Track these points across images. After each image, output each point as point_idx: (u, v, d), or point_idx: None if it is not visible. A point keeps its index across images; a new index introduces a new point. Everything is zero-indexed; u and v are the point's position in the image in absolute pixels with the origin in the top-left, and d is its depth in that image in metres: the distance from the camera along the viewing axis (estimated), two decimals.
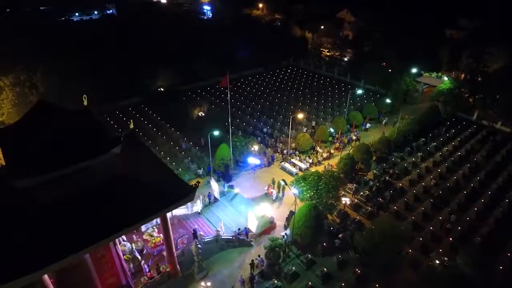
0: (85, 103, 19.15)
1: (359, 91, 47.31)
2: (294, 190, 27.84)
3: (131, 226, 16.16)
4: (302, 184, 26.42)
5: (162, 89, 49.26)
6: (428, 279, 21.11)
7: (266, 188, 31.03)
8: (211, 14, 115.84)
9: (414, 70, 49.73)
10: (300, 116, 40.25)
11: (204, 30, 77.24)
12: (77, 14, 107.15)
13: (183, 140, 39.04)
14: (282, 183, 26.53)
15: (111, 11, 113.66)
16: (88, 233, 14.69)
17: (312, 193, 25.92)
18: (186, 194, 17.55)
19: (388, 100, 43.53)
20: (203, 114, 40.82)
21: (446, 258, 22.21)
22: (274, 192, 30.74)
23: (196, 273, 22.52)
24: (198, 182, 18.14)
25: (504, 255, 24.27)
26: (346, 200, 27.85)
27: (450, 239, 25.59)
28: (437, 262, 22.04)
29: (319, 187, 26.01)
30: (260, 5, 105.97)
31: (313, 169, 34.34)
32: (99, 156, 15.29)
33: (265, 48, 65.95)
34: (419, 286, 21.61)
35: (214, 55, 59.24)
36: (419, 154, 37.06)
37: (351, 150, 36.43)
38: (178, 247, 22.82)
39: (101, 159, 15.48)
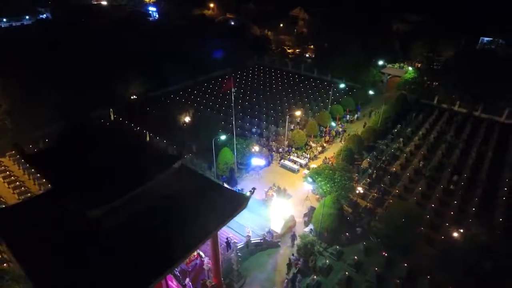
0: (112, 117, 17.52)
1: (342, 85, 49.47)
2: (309, 186, 28.62)
3: (195, 247, 15.35)
4: (319, 179, 27.05)
5: (136, 97, 46.39)
6: (448, 253, 23.30)
7: (266, 190, 30.94)
8: (157, 15, 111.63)
9: (380, 62, 53.47)
10: (298, 113, 40.88)
11: (157, 32, 73.52)
12: (4, 20, 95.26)
13: (173, 148, 37.35)
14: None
15: (44, 15, 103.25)
16: (154, 263, 13.53)
17: (330, 187, 26.69)
18: (240, 203, 17.07)
19: (371, 92, 46.31)
20: (189, 120, 39.38)
21: (461, 230, 24.57)
22: (275, 195, 30.75)
23: (235, 281, 22.02)
24: (254, 188, 17.70)
25: (498, 221, 27.57)
26: (359, 189, 29.25)
27: (452, 212, 28.39)
28: (456, 234, 24.28)
29: (335, 180, 26.91)
30: (211, 5, 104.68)
31: (311, 164, 35.50)
32: (162, 172, 14.12)
33: (227, 48, 65.45)
34: (441, 259, 23.64)
35: (178, 58, 57.20)
36: (401, 139, 40.14)
37: (343, 142, 38.23)
38: None
39: (161, 176, 14.33)
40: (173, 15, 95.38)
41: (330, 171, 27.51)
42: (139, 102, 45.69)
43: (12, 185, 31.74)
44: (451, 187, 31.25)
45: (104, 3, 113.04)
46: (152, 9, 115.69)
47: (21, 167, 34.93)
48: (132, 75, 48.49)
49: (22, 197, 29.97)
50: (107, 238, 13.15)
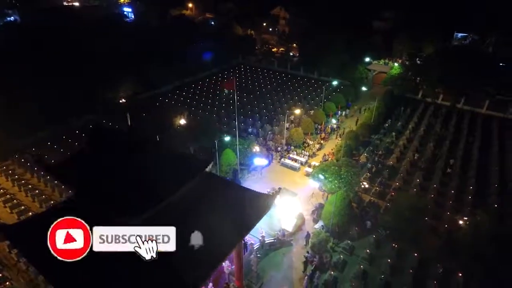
0: (129, 122, 16.94)
1: (335, 82, 50.15)
2: (315, 184, 28.93)
3: (229, 253, 15.16)
4: (327, 175, 27.35)
5: (124, 101, 44.93)
6: (455, 240, 24.31)
7: (268, 191, 30.98)
8: (133, 16, 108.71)
9: (367, 59, 54.87)
10: (297, 111, 41.14)
11: (136, 33, 71.07)
12: None
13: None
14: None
15: (12, 18, 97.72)
16: (190, 274, 13.21)
17: (338, 182, 27.05)
18: (267, 204, 16.99)
19: (364, 88, 47.34)
20: (184, 122, 38.62)
21: (466, 218, 25.69)
22: (278, 196, 30.90)
23: (254, 283, 21.92)
24: (280, 188, 17.62)
25: (493, 208, 28.99)
26: (364, 183, 29.87)
27: (450, 202, 29.62)
28: (461, 222, 25.35)
29: (342, 176, 27.32)
30: (190, 5, 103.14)
31: (310, 161, 35.88)
32: (195, 176, 13.75)
33: (212, 48, 64.80)
34: (448, 247, 24.58)
35: (163, 59, 55.98)
36: (393, 133, 41.35)
37: (339, 138, 38.97)
38: None
39: (194, 181, 13.97)
40: (150, 15, 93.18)
41: (336, 168, 27.88)
42: (129, 105, 44.24)
43: (3, 199, 29.89)
44: (448, 170, 33.21)
45: (76, 4, 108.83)
46: (127, 9, 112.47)
47: (9, 179, 33.01)
48: (118, 77, 47.01)
49: (15, 210, 28.36)
50: None
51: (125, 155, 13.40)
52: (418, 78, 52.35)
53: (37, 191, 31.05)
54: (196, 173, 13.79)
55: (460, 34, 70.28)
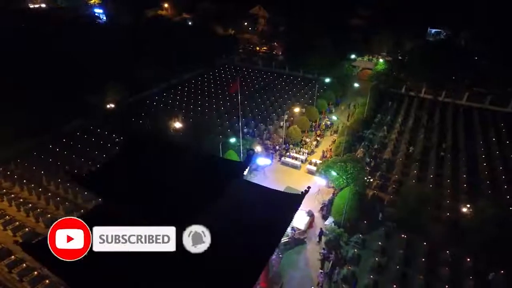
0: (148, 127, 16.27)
1: (327, 80, 50.69)
2: (322, 181, 29.23)
3: (270, 257, 14.97)
4: (337, 170, 27.69)
5: (113, 105, 43.13)
6: (462, 227, 25.44)
7: None
8: (105, 17, 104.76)
9: (353, 56, 56.06)
10: (297, 110, 41.34)
11: (114, 35, 68.31)
12: None
13: None
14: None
15: None
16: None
17: (346, 178, 27.47)
18: (297, 203, 16.96)
19: (356, 84, 48.29)
20: (180, 125, 37.74)
21: (468, 205, 26.88)
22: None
23: (275, 282, 21.82)
24: (309, 187, 17.60)
25: (487, 194, 30.56)
26: (369, 177, 30.49)
27: (449, 190, 30.94)
28: (464, 210, 26.50)
29: (349, 171, 27.76)
30: (165, 5, 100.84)
31: (310, 159, 36.22)
32: (234, 180, 13.42)
33: (195, 49, 63.68)
34: (455, 234, 25.65)
35: (146, 61, 54.31)
36: (384, 127, 42.54)
37: (335, 135, 39.65)
38: None
39: (233, 185, 13.64)
40: (124, 17, 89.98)
41: (342, 164, 28.28)
42: (119, 111, 42.62)
43: None
44: (442, 153, 35.38)
45: (43, 5, 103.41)
46: (98, 10, 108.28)
47: None
48: (100, 81, 44.98)
49: (9, 227, 26.55)
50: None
51: (165, 161, 12.90)
52: (402, 74, 54.21)
53: (30, 205, 29.21)
54: (235, 177, 13.49)
55: (433, 30, 73.48)
